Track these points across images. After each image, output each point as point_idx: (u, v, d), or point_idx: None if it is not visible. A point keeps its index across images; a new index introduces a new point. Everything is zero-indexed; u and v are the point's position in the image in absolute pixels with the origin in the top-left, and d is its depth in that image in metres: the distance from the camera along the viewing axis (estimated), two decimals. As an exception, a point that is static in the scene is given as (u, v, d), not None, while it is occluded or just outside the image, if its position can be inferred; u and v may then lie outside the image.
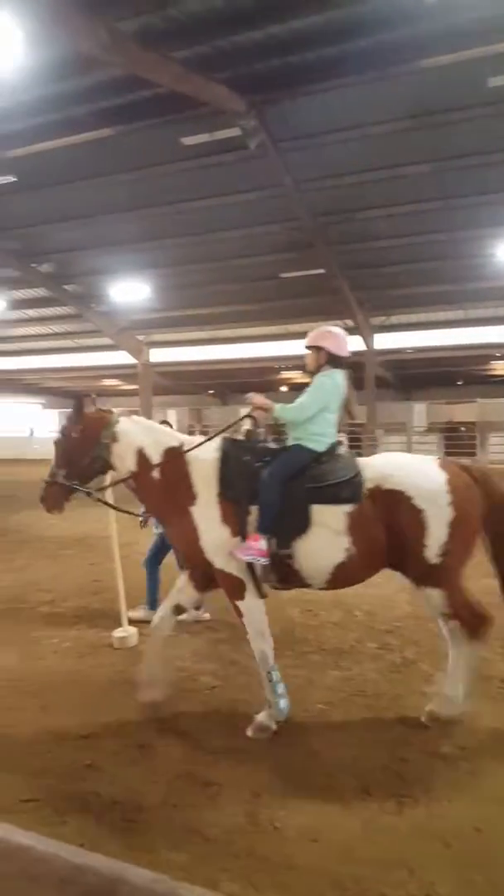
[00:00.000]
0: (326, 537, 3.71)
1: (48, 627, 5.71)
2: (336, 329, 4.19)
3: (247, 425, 4.12)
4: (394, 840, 2.85)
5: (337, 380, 4.01)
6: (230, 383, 36.65)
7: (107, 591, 6.62)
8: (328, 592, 4.51)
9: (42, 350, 31.60)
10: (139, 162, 14.93)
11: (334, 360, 4.08)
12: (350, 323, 23.50)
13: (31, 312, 27.49)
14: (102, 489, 4.43)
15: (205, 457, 3.95)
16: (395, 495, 3.71)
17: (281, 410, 3.95)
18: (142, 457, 4.03)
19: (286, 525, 3.71)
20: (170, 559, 5.60)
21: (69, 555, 8.76)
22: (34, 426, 36.22)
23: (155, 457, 4.02)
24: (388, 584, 6.76)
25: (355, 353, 23.42)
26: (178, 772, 3.40)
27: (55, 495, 4.19)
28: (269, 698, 3.83)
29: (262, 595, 3.85)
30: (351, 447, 28.10)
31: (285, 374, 33.96)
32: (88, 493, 4.25)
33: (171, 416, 37.26)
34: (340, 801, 3.12)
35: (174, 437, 4.15)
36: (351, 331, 24.10)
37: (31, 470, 23.70)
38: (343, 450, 4.02)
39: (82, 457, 4.12)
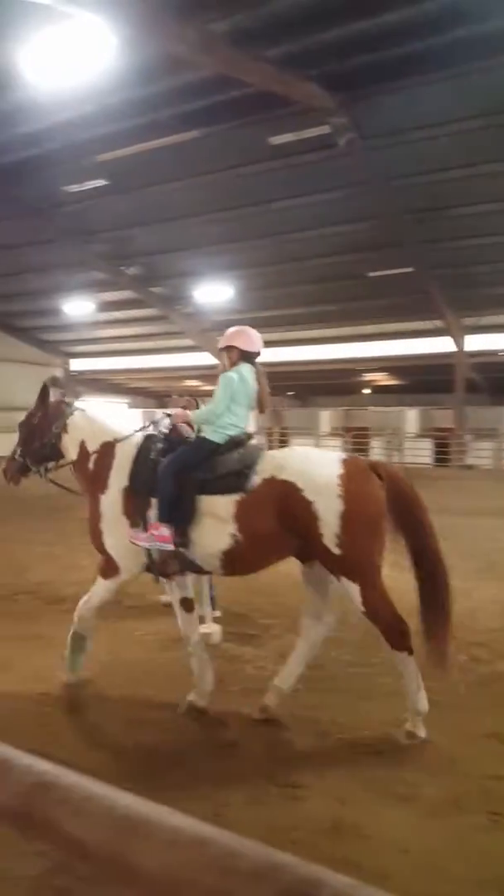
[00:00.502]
0: (214, 525, 3.90)
1: (135, 619, 5.82)
2: (246, 328, 4.38)
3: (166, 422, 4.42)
4: (487, 859, 2.72)
5: (243, 373, 4.18)
6: (311, 385, 36.46)
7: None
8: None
9: (128, 351, 32.47)
10: (225, 163, 15.08)
11: (246, 357, 4.26)
12: (439, 324, 22.92)
13: (119, 314, 28.27)
14: (48, 472, 4.72)
15: (126, 450, 4.27)
16: (286, 486, 3.82)
17: (196, 417, 4.26)
18: (82, 448, 4.45)
19: (181, 514, 3.93)
20: None
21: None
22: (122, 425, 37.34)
23: (91, 448, 4.40)
24: (478, 595, 6.55)
25: (444, 355, 22.90)
26: (262, 771, 3.38)
27: (12, 470, 4.71)
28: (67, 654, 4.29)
29: (157, 580, 4.26)
30: (438, 454, 27.66)
31: (368, 377, 33.46)
32: (39, 474, 4.68)
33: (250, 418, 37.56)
34: (429, 814, 3.02)
35: (112, 432, 4.45)
36: (440, 332, 23.50)
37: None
38: (251, 442, 4.23)
39: (36, 440, 4.60)
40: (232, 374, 4.16)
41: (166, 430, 4.36)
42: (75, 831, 0.66)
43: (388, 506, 3.82)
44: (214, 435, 4.07)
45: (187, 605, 4.31)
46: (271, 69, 10.72)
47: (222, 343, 4.32)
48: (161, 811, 0.68)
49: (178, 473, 3.97)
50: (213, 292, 22.38)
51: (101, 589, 4.26)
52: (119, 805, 0.67)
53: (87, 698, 4.25)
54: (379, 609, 3.75)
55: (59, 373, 34.69)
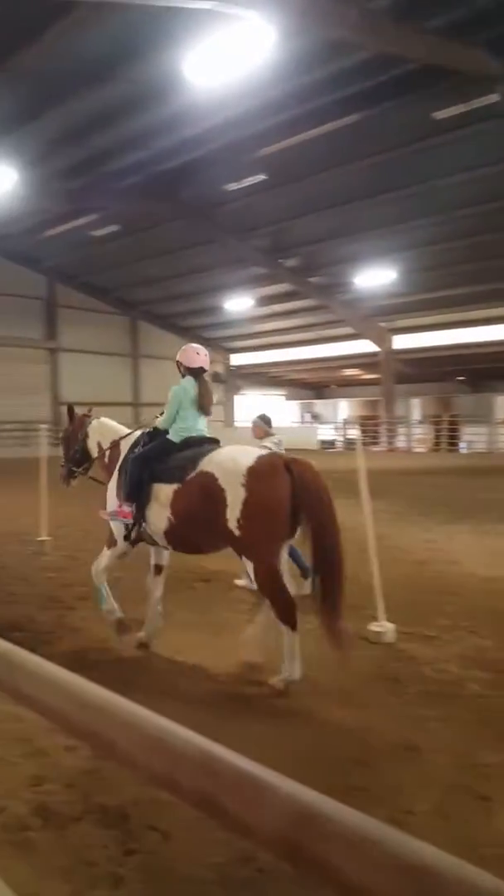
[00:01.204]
0: (158, 508, 4.70)
1: (304, 612, 5.79)
2: (189, 347, 5.25)
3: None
4: None
5: (186, 386, 5.00)
6: (482, 369, 34.49)
7: (357, 583, 6.53)
8: None
9: (285, 343, 32.82)
10: (386, 144, 14.66)
11: (191, 371, 5.08)
12: None
13: (277, 307, 28.62)
14: (87, 470, 5.70)
15: (125, 446, 5.23)
16: (208, 476, 4.44)
17: (160, 423, 5.08)
18: (99, 447, 5.50)
19: (140, 497, 4.78)
20: None
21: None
22: (276, 417, 37.92)
23: (104, 446, 5.44)
24: None
25: None
26: (450, 781, 3.19)
27: (63, 475, 5.78)
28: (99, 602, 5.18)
29: (133, 545, 5.06)
30: None
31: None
32: (81, 473, 5.72)
33: (415, 405, 36.31)
34: None
35: (118, 432, 5.48)
36: None
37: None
38: (206, 442, 4.87)
39: (71, 448, 5.70)
40: (176, 389, 5.01)
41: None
42: (355, 876, 0.58)
43: (295, 498, 4.24)
44: (173, 436, 4.93)
45: (158, 570, 5.31)
46: (436, 40, 10.21)
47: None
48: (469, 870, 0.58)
49: (140, 464, 4.87)
50: (375, 277, 21.87)
51: (104, 556, 5.17)
52: (406, 851, 0.58)
53: (257, 687, 4.28)
54: (268, 585, 4.30)
55: (219, 368, 35.91)
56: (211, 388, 5.15)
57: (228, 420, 36.45)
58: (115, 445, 5.32)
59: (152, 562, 5.27)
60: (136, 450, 5.01)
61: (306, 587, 4.99)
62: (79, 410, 5.88)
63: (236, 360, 36.39)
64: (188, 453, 4.72)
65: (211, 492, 4.35)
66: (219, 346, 35.56)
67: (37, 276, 27.55)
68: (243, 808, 0.53)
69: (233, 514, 4.24)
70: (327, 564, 4.19)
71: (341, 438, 31.59)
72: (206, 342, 34.53)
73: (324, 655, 4.76)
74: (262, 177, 16.72)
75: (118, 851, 2.66)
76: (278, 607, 4.25)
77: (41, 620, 5.64)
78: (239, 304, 27.90)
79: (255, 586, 5.24)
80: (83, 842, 2.70)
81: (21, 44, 10.05)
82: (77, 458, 5.65)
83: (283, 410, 41.30)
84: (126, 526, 4.93)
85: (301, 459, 4.57)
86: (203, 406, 5.00)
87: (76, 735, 0.62)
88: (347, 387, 42.33)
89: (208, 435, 5.02)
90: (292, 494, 4.23)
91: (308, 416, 41.50)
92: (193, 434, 4.91)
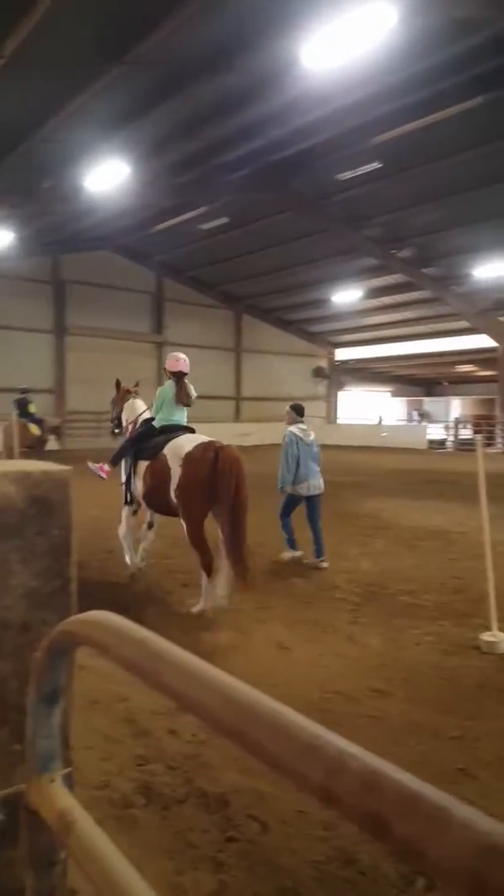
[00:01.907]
0: (137, 479, 6.18)
1: (410, 617, 5.63)
2: (173, 353, 6.65)
3: None
4: None
5: (167, 386, 6.45)
6: None
7: (468, 590, 6.31)
8: None
9: (393, 337, 32.03)
10: (512, 128, 13.93)
11: (173, 374, 6.44)
12: None
13: (387, 300, 27.98)
14: (119, 433, 7.32)
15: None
16: (164, 457, 5.80)
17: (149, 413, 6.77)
18: (126, 421, 7.11)
19: (127, 467, 6.35)
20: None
21: (426, 547, 8.58)
22: (383, 414, 37.11)
23: (128, 421, 7.04)
24: None
25: None
26: None
27: (110, 431, 7.65)
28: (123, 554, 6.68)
29: (130, 505, 6.48)
30: None
31: None
32: (116, 433, 7.45)
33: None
34: None
35: (138, 412, 7.05)
36: None
37: (380, 457, 24.41)
38: (180, 430, 6.20)
39: (113, 413, 7.45)
40: (161, 388, 6.49)
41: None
42: None
43: (215, 475, 5.44)
44: (157, 424, 6.37)
45: (150, 525, 6.87)
46: None
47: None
48: None
49: (129, 443, 6.49)
50: (495, 269, 20.94)
51: (122, 517, 6.58)
52: None
53: (366, 692, 4.18)
54: (195, 541, 5.55)
55: (323, 363, 35.63)
56: (187, 388, 6.39)
57: (331, 417, 36.13)
58: (134, 423, 6.91)
59: (147, 518, 6.83)
60: (139, 428, 6.66)
61: (296, 554, 7.47)
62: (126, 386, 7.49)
63: (341, 354, 35.91)
64: (160, 438, 6.08)
65: (163, 469, 5.75)
66: (323, 341, 35.27)
67: (146, 271, 28.32)
68: (415, 831, 0.46)
69: (173, 487, 5.62)
70: (230, 526, 5.40)
71: (452, 439, 30.45)
72: (310, 336, 34.43)
73: (434, 666, 4.61)
74: (376, 165, 16.32)
75: (219, 837, 2.67)
76: (200, 556, 5.58)
77: (145, 604, 5.78)
78: (346, 296, 27.51)
79: (297, 554, 7.48)
80: (185, 824, 2.72)
81: (138, 37, 10.25)
82: (115, 423, 7.41)
83: (389, 408, 40.43)
84: (123, 492, 6.45)
85: (228, 448, 5.62)
86: (180, 401, 6.36)
87: (220, 730, 0.58)
88: (460, 384, 40.84)
89: (185, 424, 6.40)
90: (211, 475, 5.45)
91: (415, 415, 40.27)
92: (171, 423, 6.30)
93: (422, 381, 42.45)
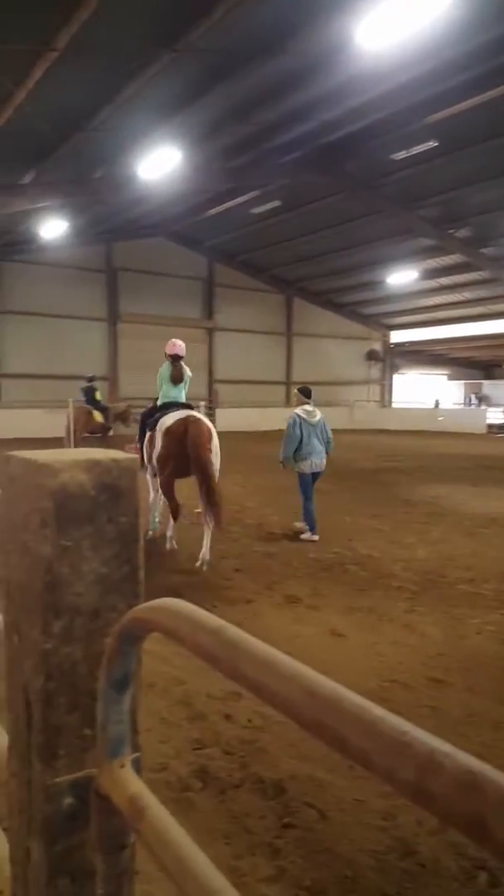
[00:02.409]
0: (148, 446, 7.26)
1: (469, 606, 5.52)
2: (171, 340, 7.67)
3: None
4: None
5: (164, 367, 7.52)
6: None
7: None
8: None
9: (450, 319, 31.29)
10: None
11: (170, 357, 7.48)
12: None
13: (444, 280, 27.33)
14: None
15: None
16: (155, 430, 7.05)
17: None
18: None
19: (142, 440, 7.55)
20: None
21: (486, 534, 8.39)
22: (439, 398, 36.39)
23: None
24: None
25: None
26: None
27: None
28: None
29: (143, 469, 7.25)
30: None
31: None
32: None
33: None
34: None
35: None
36: None
37: (437, 442, 24.01)
38: (178, 407, 7.19)
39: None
40: (160, 369, 7.54)
41: None
42: None
43: (186, 443, 6.60)
44: (160, 402, 7.45)
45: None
46: None
47: None
48: None
49: (142, 418, 7.90)
50: None
51: (147, 481, 7.59)
52: None
53: (424, 681, 4.11)
54: (166, 494, 7.00)
55: (377, 346, 35.08)
56: (182, 368, 7.46)
57: (385, 400, 35.63)
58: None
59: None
60: None
61: (313, 537, 7.90)
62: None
63: (396, 337, 35.25)
64: (158, 415, 7.21)
65: (154, 439, 7.04)
66: (377, 323, 34.72)
67: (198, 256, 28.40)
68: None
69: (156, 454, 6.92)
70: (201, 481, 6.56)
71: (513, 423, 29.58)
72: (363, 319, 33.95)
73: (494, 655, 4.51)
74: (432, 143, 15.88)
75: (276, 823, 2.67)
76: (169, 503, 7.02)
77: (199, 589, 5.82)
78: (401, 277, 26.97)
79: (313, 538, 7.92)
80: (242, 809, 2.73)
81: (190, 22, 10.19)
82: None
83: (446, 391, 39.58)
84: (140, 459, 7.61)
85: (198, 422, 6.78)
86: (174, 379, 7.41)
87: (301, 723, 0.56)
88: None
89: (183, 401, 7.45)
90: (181, 445, 6.63)
91: (473, 399, 39.27)
92: (169, 400, 7.36)
93: (480, 363, 41.37)
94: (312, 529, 7.97)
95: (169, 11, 10.00)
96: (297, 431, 7.79)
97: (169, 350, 7.54)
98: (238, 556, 7.01)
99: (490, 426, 29.53)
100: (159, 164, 14.30)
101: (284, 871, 2.41)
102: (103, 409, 16.46)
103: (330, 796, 2.83)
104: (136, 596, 0.86)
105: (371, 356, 34.85)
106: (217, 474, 6.71)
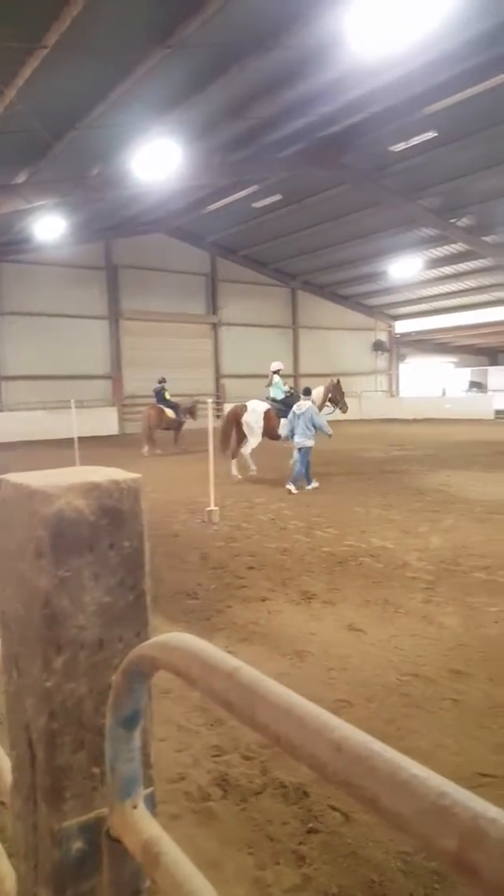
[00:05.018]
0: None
1: (486, 595, 5.44)
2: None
3: None
4: None
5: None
6: None
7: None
8: None
9: (455, 307, 31.12)
10: None
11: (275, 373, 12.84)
12: None
13: (447, 269, 27.17)
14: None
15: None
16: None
17: None
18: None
19: None
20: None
21: (499, 519, 8.29)
22: (446, 385, 36.16)
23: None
24: None
25: None
26: None
27: None
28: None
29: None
30: None
31: None
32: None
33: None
34: None
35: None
36: None
37: (445, 430, 23.87)
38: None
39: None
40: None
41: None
42: None
43: (232, 422, 12.31)
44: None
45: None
46: None
47: None
48: None
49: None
50: None
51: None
52: None
53: (445, 673, 4.05)
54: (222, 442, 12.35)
55: (383, 336, 34.90)
56: (270, 377, 12.26)
57: (393, 390, 35.47)
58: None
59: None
60: None
61: (310, 485, 10.92)
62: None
63: (401, 327, 35.11)
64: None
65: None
66: (382, 314, 34.54)
67: (200, 252, 28.29)
68: None
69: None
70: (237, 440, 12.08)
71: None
72: (368, 310, 33.79)
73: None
74: (431, 134, 15.73)
75: (300, 829, 2.62)
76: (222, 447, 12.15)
77: (213, 588, 5.78)
78: (405, 268, 26.79)
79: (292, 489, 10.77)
80: (264, 816, 2.68)
81: (184, 18, 10.08)
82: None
83: (453, 379, 39.29)
84: None
85: (240, 407, 12.33)
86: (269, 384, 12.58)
87: (329, 780, 0.50)
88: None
89: (270, 396, 12.65)
90: (232, 420, 12.24)
91: (468, 385, 39.00)
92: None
93: (486, 350, 41.08)
94: (309, 482, 10.96)
95: (162, 7, 9.90)
96: (290, 420, 11.05)
97: (273, 368, 12.86)
98: (252, 553, 6.95)
99: (497, 412, 29.37)
100: (157, 160, 14.22)
101: (310, 879, 2.36)
102: (174, 406, 17.74)
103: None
104: (143, 625, 0.80)
105: (377, 346, 34.69)
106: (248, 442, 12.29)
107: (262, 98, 12.96)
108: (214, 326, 29.16)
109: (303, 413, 10.85)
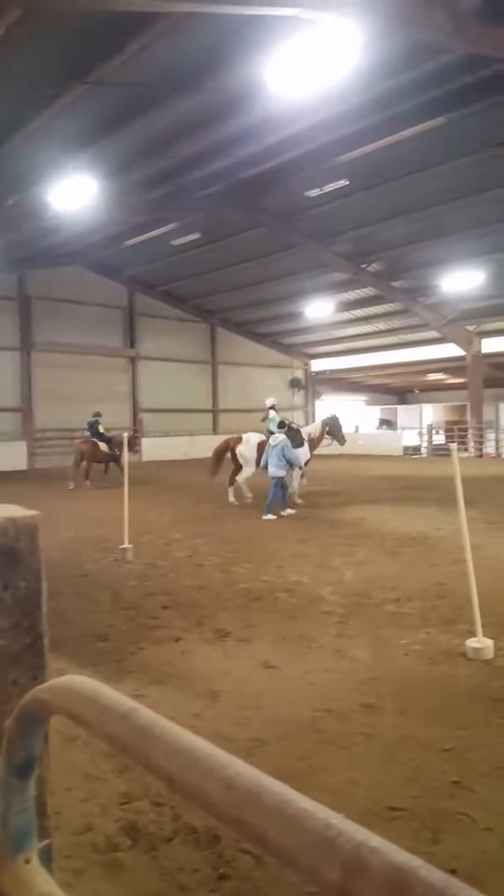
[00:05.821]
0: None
1: (395, 627, 5.57)
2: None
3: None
4: None
5: (274, 415, 13.27)
6: None
7: (452, 596, 6.28)
8: None
9: (366, 348, 32.30)
10: (474, 146, 14.23)
11: (271, 408, 13.76)
12: None
13: (358, 312, 28.23)
14: None
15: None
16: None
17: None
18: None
19: None
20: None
21: (408, 553, 8.56)
22: (358, 423, 37.27)
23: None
24: None
25: None
26: None
27: None
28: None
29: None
30: None
31: None
32: None
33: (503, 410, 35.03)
34: None
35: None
36: None
37: (358, 465, 24.45)
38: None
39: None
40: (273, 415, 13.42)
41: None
42: None
43: (225, 452, 13.11)
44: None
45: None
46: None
47: None
48: None
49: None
50: (462, 280, 21.26)
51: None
52: None
53: (357, 707, 4.09)
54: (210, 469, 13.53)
55: (299, 374, 35.74)
56: (266, 414, 12.46)
57: (309, 426, 36.17)
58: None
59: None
60: None
61: (285, 512, 11.79)
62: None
63: (316, 365, 36.13)
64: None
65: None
66: (298, 352, 35.42)
67: (117, 285, 28.20)
68: None
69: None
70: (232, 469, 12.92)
71: (426, 445, 30.84)
72: (284, 348, 34.55)
73: (422, 676, 4.55)
74: (343, 182, 16.49)
75: (211, 875, 2.55)
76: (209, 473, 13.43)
77: (125, 630, 5.64)
78: (319, 309, 27.68)
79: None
80: (175, 864, 2.60)
81: (104, 56, 10.23)
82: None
83: (365, 416, 40.58)
84: None
85: (234, 440, 12.97)
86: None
87: (220, 819, 0.50)
88: (432, 391, 41.29)
89: (269, 429, 12.61)
90: (224, 450, 13.10)
91: (378, 423, 40.53)
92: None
93: (395, 389, 42.84)
94: (283, 508, 11.69)
95: (83, 43, 10.00)
96: (264, 453, 11.94)
97: (268, 404, 13.92)
98: (166, 591, 6.85)
99: (406, 448, 30.73)
100: (74, 193, 14.18)
101: (221, 927, 2.30)
102: (107, 440, 17.45)
103: (265, 840, 2.73)
104: (40, 668, 0.78)
105: (294, 384, 35.48)
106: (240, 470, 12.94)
107: (182, 138, 13.22)
108: (132, 360, 28.98)
109: (275, 445, 11.54)
